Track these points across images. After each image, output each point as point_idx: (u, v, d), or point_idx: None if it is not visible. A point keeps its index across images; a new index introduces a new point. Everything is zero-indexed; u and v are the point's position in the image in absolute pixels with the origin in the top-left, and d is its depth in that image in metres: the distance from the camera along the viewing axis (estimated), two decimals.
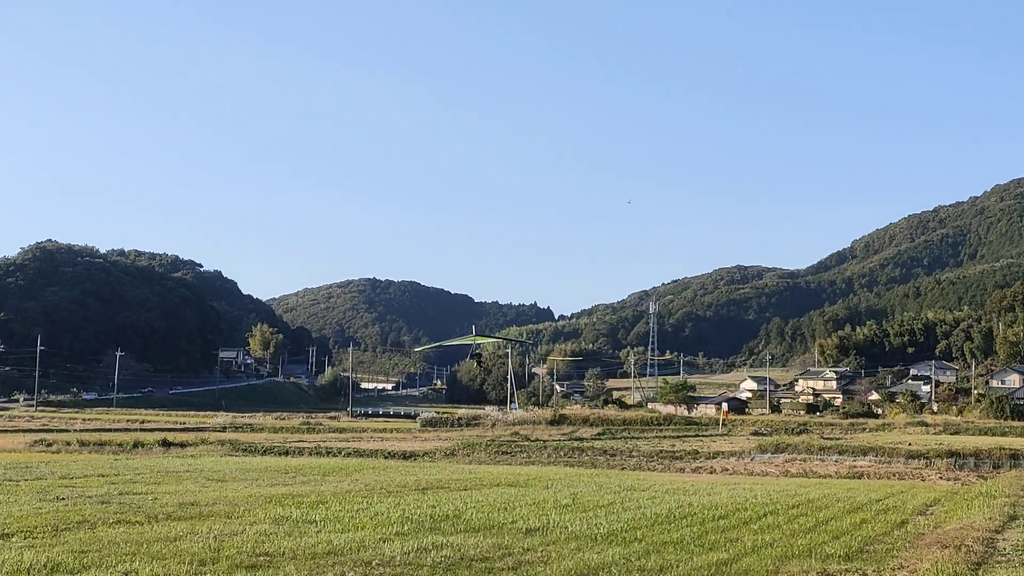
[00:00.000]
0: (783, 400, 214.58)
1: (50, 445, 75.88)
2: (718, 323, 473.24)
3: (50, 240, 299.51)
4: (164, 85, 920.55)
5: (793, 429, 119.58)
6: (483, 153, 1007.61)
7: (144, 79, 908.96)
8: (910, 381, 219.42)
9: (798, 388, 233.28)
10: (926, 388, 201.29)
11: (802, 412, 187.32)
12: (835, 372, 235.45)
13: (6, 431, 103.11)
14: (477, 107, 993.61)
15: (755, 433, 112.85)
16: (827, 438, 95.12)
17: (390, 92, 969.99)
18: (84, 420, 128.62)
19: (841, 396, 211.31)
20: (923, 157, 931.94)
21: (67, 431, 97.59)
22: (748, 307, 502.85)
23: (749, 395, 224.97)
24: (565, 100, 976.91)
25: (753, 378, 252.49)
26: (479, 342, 68.53)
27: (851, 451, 76.08)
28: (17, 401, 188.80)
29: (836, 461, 69.43)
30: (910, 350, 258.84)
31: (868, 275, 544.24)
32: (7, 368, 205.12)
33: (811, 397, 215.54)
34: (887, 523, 28.84)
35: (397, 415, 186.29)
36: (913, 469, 63.75)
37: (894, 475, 58.79)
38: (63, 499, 30.62)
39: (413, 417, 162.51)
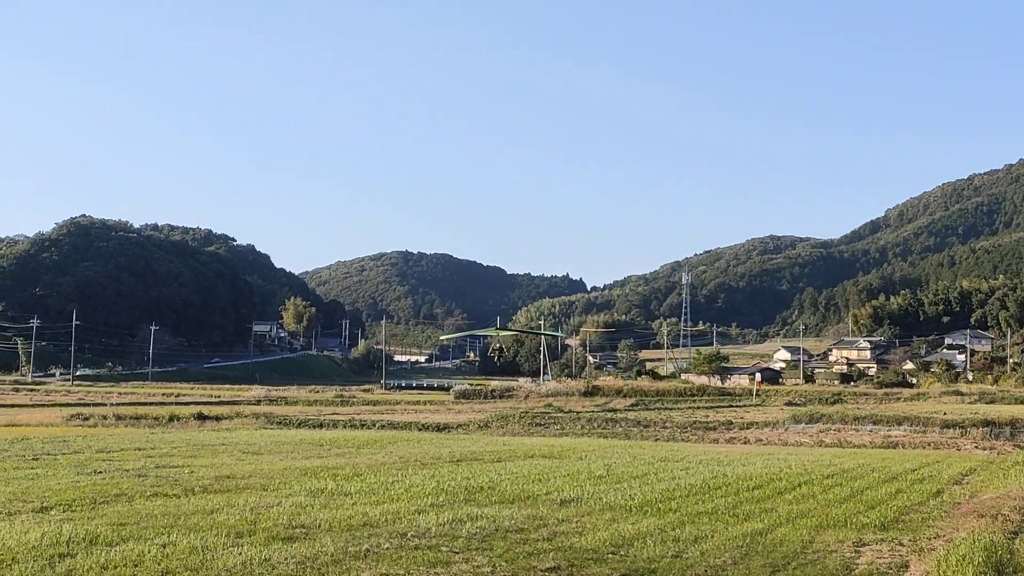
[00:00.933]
0: (817, 370, 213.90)
1: (87, 419, 76.28)
2: (751, 293, 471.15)
3: (84, 215, 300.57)
4: (194, 64, 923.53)
5: (827, 399, 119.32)
6: (509, 127, 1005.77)
7: (174, 58, 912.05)
8: (945, 350, 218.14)
9: (832, 358, 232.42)
10: (961, 357, 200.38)
11: (836, 382, 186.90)
12: (869, 342, 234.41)
13: (43, 405, 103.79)
14: (501, 84, 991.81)
15: (789, 403, 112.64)
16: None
17: (432, 70, 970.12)
18: (120, 394, 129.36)
19: (875, 366, 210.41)
20: (957, 124, 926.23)
21: (103, 405, 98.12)
22: (781, 277, 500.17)
23: (783, 365, 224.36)
24: (587, 75, 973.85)
25: (787, 348, 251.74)
26: (501, 334, 66.12)
27: (886, 421, 75.85)
28: (53, 376, 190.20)
29: (871, 431, 69.19)
30: (945, 319, 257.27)
31: (902, 244, 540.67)
32: (43, 343, 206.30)
33: (845, 367, 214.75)
34: (922, 493, 28.78)
35: (431, 387, 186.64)
36: (948, 438, 63.41)
37: (929, 444, 58.55)
38: (101, 472, 30.87)
39: (447, 389, 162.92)
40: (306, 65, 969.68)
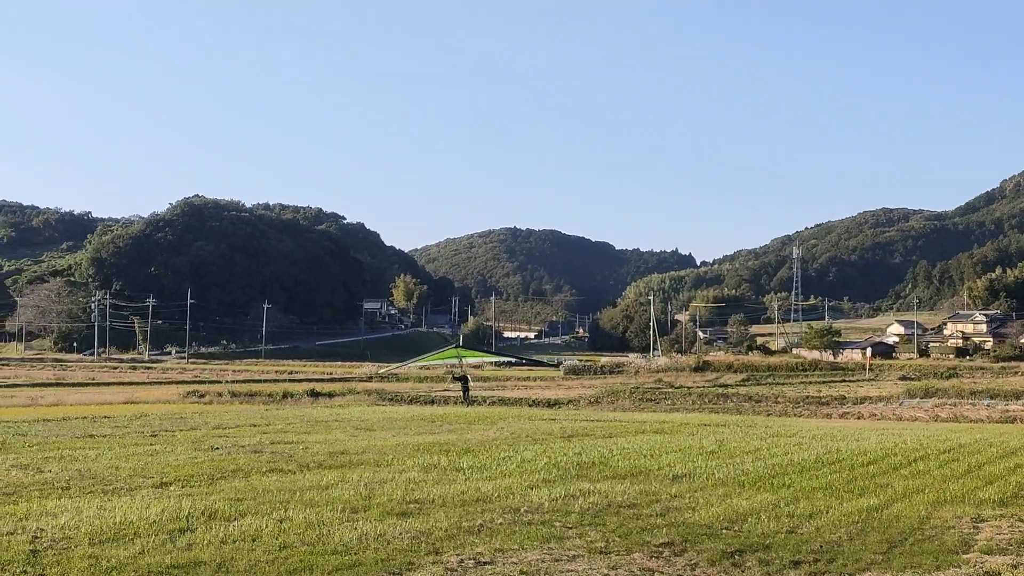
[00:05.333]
0: (931, 344, 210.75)
1: (202, 396, 77.51)
2: (863, 267, 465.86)
3: (197, 195, 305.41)
4: (308, 39, 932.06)
5: (942, 373, 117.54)
6: (620, 99, 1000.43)
7: (289, 33, 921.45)
8: None
9: (946, 332, 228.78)
10: None
11: (951, 356, 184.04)
12: (985, 315, 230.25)
13: (160, 383, 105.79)
14: (610, 52, 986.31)
15: (903, 378, 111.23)
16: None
17: (529, 40, 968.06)
18: (234, 371, 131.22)
19: (991, 339, 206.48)
20: None
21: (218, 382, 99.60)
22: (894, 250, 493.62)
23: (896, 340, 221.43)
24: (697, 43, 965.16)
25: (900, 322, 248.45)
26: (464, 358, 59.22)
27: (1003, 395, 74.73)
28: (170, 354, 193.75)
29: (987, 405, 68.11)
30: None
31: (1019, 215, 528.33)
32: (159, 321, 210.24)
33: (960, 341, 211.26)
34: None
35: (540, 363, 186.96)
36: None
37: None
38: (217, 449, 31.31)
39: (556, 365, 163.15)
40: (417, 37, 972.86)
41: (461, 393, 61.28)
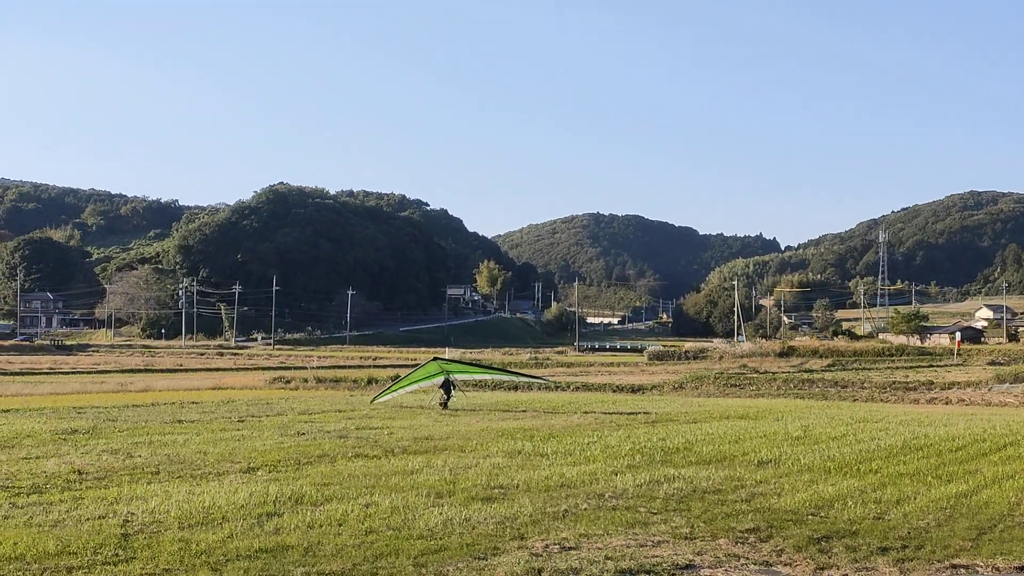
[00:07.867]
0: (1021, 328, 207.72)
1: (288, 382, 77.88)
2: (950, 251, 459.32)
3: (282, 183, 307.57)
4: (387, 27, 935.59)
5: None
6: (703, 86, 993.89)
7: (372, 25, 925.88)
8: None
9: None
10: None
11: None
12: None
13: (246, 369, 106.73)
14: (693, 43, 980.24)
15: (992, 363, 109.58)
16: None
17: (610, 31, 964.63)
18: (319, 358, 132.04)
19: None
20: None
21: (304, 368, 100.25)
22: (982, 233, 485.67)
23: (985, 324, 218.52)
24: (783, 29, 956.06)
25: (989, 306, 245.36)
26: (452, 373, 49.56)
27: None
28: (256, 340, 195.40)
29: None
30: None
31: None
32: (245, 308, 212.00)
33: None
34: None
35: (624, 349, 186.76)
36: None
37: None
38: (303, 434, 31.67)
39: (640, 351, 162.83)
40: (497, 31, 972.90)
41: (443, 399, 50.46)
